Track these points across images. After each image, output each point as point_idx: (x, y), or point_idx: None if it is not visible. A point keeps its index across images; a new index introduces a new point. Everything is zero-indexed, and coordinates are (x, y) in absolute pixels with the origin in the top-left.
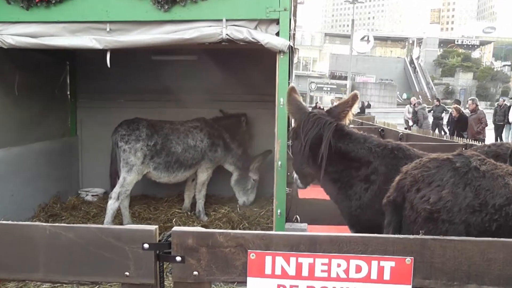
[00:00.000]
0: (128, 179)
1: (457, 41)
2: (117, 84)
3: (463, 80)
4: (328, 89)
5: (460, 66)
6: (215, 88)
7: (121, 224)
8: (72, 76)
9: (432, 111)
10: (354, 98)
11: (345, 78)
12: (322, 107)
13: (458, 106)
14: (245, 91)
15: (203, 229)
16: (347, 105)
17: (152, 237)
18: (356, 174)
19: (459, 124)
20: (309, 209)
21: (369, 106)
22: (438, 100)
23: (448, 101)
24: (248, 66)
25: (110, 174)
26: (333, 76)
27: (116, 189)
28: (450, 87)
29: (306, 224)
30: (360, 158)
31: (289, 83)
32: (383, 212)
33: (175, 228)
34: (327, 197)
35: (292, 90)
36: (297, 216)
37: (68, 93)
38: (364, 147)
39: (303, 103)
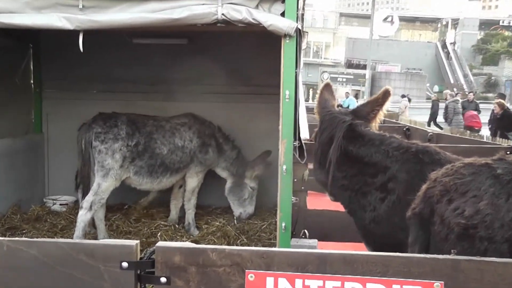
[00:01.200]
0: (103, 185)
1: (503, 22)
2: (91, 72)
3: (509, 69)
4: (344, 79)
5: (505, 53)
6: (207, 78)
7: (95, 239)
8: (36, 61)
9: (462, 108)
10: (385, 95)
11: (364, 67)
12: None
13: (502, 101)
14: (243, 82)
15: (193, 245)
16: (377, 103)
17: (132, 254)
18: (370, 181)
19: (503, 123)
20: (319, 223)
21: (409, 100)
22: (471, 93)
23: (490, 95)
24: (247, 52)
25: (81, 179)
26: (349, 65)
27: (89, 198)
28: (492, 78)
29: (316, 240)
30: (375, 163)
31: (296, 72)
32: (404, 227)
33: (160, 243)
34: (342, 208)
35: (325, 88)
36: (305, 231)
37: (32, 82)
38: (379, 151)
39: (332, 102)
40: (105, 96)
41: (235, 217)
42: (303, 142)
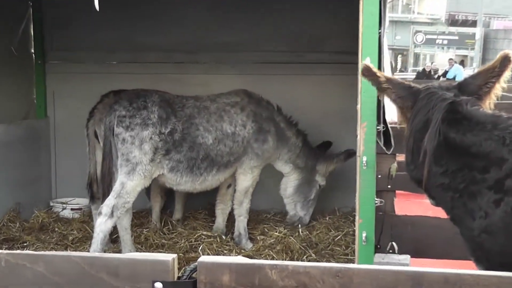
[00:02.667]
0: (128, 185)
1: None
2: (109, 38)
3: None
4: (445, 42)
5: None
6: (263, 43)
7: (119, 253)
8: (38, 25)
9: None
10: (504, 62)
11: (473, 24)
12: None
13: None
14: (310, 47)
15: (247, 260)
16: (492, 74)
17: (168, 271)
18: (480, 178)
19: None
20: (412, 233)
21: None
22: None
23: None
24: (315, 8)
25: (102, 178)
26: (453, 21)
27: (110, 201)
28: None
29: (408, 256)
30: (486, 154)
31: (379, 34)
32: None
33: (203, 258)
34: (443, 214)
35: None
36: (394, 244)
37: (32, 51)
38: (492, 137)
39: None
40: (128, 69)
41: (292, 220)
42: (389, 126)
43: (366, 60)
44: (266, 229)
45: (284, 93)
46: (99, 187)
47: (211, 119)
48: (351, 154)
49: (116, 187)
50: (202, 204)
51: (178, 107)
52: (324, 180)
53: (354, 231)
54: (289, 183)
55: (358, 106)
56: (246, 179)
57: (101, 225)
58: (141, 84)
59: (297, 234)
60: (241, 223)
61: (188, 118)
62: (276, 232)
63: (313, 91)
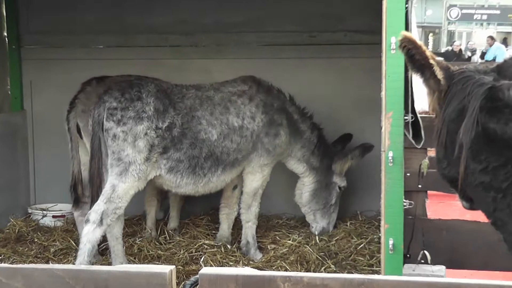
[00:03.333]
0: (120, 188)
1: None
2: (94, 18)
3: None
4: (484, 17)
5: None
6: (273, 22)
7: (110, 265)
8: (11, 4)
9: None
10: None
11: None
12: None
13: None
14: (327, 26)
15: (255, 271)
16: None
17: (165, 286)
18: None
19: None
20: (448, 240)
21: None
22: None
23: None
24: None
25: (90, 179)
26: None
27: (99, 206)
28: None
29: (443, 267)
30: None
31: (406, 9)
32: None
33: (206, 270)
34: (483, 217)
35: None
36: (426, 253)
37: (5, 34)
38: None
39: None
40: (116, 54)
41: (316, 233)
42: (419, 115)
43: (391, 40)
44: (277, 237)
45: (295, 80)
46: (84, 189)
47: (215, 111)
48: (367, 148)
49: (106, 190)
50: (204, 209)
51: (177, 98)
52: (343, 181)
53: (379, 238)
54: (305, 187)
55: (383, 93)
56: (255, 179)
57: (89, 234)
58: (131, 71)
59: (313, 242)
60: (249, 230)
61: (189, 111)
62: (290, 240)
63: (328, 76)
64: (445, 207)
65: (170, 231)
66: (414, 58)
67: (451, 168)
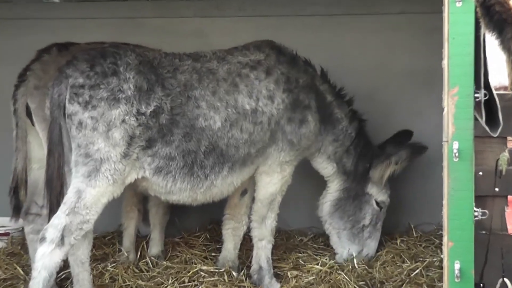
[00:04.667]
0: (89, 194)
1: None
2: None
3: None
4: None
5: None
6: None
7: None
8: None
9: None
10: None
11: None
12: None
13: None
14: None
15: None
16: None
17: None
18: None
19: None
20: None
21: None
22: None
23: None
24: None
25: (47, 183)
26: None
27: (59, 219)
28: None
29: None
30: None
31: None
32: None
33: None
34: None
35: None
36: (507, 281)
37: None
38: None
39: None
40: (81, 12)
41: (337, 260)
42: (495, 92)
43: None
44: (301, 261)
45: (323, 45)
46: (36, 196)
47: (219, 90)
48: (417, 150)
49: (69, 197)
50: (201, 223)
51: (166, 72)
52: (384, 194)
53: (441, 261)
54: (326, 196)
55: (444, 62)
56: (272, 182)
57: (45, 258)
58: (103, 36)
59: (350, 267)
60: (262, 251)
61: (183, 89)
62: (317, 264)
63: (369, 40)
64: None
65: (152, 258)
66: (492, 10)
67: None
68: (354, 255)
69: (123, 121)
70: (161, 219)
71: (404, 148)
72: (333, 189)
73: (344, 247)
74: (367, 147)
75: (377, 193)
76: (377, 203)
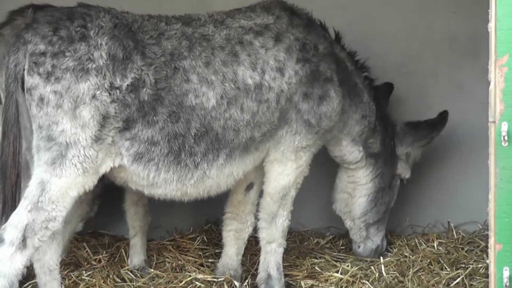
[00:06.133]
0: (54, 186)
1: None
2: None
3: None
4: None
5: None
6: None
7: None
8: None
9: None
10: None
11: None
12: None
13: None
14: None
15: None
16: None
17: None
18: None
19: None
20: None
21: None
22: None
23: None
24: None
25: (1, 172)
26: None
27: (20, 217)
28: None
29: None
30: None
31: None
32: None
33: None
34: None
35: None
36: None
37: None
38: None
39: None
40: None
41: (364, 255)
42: None
43: None
44: (317, 268)
45: (346, 7)
46: None
47: (214, 60)
48: (443, 118)
49: (31, 190)
50: (196, 222)
51: (148, 37)
52: (409, 170)
53: (487, 267)
54: (358, 189)
55: (491, 25)
56: (285, 172)
57: (3, 263)
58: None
59: (377, 275)
60: (272, 257)
61: (169, 59)
62: (338, 272)
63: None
64: None
65: (134, 271)
66: None
67: None
68: (378, 242)
69: (94, 96)
70: (141, 221)
71: (437, 124)
72: (365, 179)
73: (371, 238)
74: (388, 119)
75: (404, 171)
76: (401, 181)
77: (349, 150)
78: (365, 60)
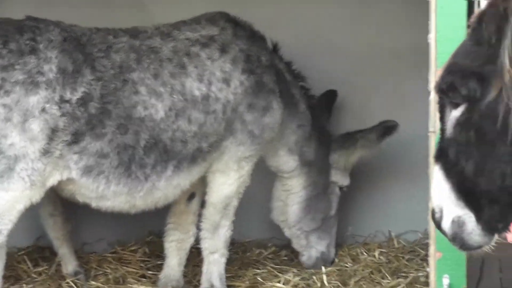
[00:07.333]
0: (1, 198)
1: None
2: None
3: None
4: None
5: None
6: None
7: None
8: None
9: None
10: None
11: None
12: None
13: None
14: None
15: None
16: None
17: None
18: None
19: None
20: None
21: None
22: None
23: None
24: None
25: None
26: None
27: None
28: None
29: None
30: None
31: None
32: None
33: None
34: None
35: None
36: None
37: None
38: None
39: None
40: None
41: (309, 264)
42: None
43: None
44: (260, 278)
45: (290, 21)
46: None
47: (162, 72)
48: (389, 129)
49: None
50: (138, 234)
51: (98, 50)
52: (347, 178)
53: (427, 276)
54: (291, 197)
55: (431, 36)
56: (228, 182)
57: None
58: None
59: (319, 285)
60: (214, 267)
61: (118, 72)
62: (280, 282)
63: (344, 14)
64: None
65: (76, 281)
66: None
67: None
68: (323, 250)
69: (43, 110)
70: (63, 229)
71: (373, 129)
72: (298, 188)
73: (313, 246)
74: (323, 128)
75: (341, 179)
76: (340, 189)
77: (284, 160)
78: (300, 70)
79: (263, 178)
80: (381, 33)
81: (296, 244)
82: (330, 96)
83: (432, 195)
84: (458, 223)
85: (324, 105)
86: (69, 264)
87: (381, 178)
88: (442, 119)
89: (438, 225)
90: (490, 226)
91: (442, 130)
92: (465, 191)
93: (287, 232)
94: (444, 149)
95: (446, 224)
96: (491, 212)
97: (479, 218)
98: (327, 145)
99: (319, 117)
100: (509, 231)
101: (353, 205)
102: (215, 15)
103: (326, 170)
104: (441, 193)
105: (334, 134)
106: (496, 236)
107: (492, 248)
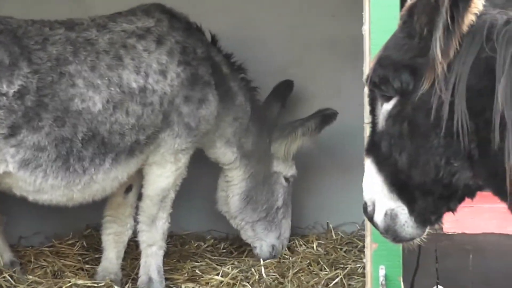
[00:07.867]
0: None
1: None
2: None
3: None
4: None
5: None
6: None
7: None
8: None
9: None
10: None
11: None
12: None
13: None
14: None
15: None
16: None
17: None
18: None
19: None
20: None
21: None
22: None
23: None
24: None
25: None
26: None
27: None
28: None
29: None
30: None
31: None
32: None
33: None
34: None
35: None
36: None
37: None
38: None
39: None
40: None
41: (262, 256)
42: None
43: None
44: (198, 271)
45: (226, 11)
46: None
47: (99, 65)
48: (328, 117)
49: None
50: (76, 228)
51: (34, 43)
52: (291, 168)
53: (364, 267)
54: (232, 188)
55: (365, 28)
56: (164, 175)
57: None
58: None
59: (257, 277)
60: (152, 260)
61: (55, 64)
62: (218, 275)
63: (280, 4)
64: (474, 214)
65: (13, 275)
66: None
67: (482, 167)
68: (273, 243)
69: None
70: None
71: (313, 116)
72: (238, 179)
73: (262, 238)
74: (262, 119)
75: (284, 169)
76: (286, 179)
77: (223, 152)
78: (241, 62)
79: (201, 170)
80: (318, 24)
81: (244, 235)
82: (285, 86)
83: (364, 189)
84: (391, 216)
85: (277, 95)
86: (5, 254)
87: (319, 170)
88: (373, 112)
89: (370, 219)
90: (423, 218)
91: (373, 123)
92: (398, 184)
93: (233, 223)
94: (376, 142)
95: (378, 217)
96: (425, 204)
97: (412, 211)
98: (269, 136)
99: (264, 109)
100: (442, 223)
101: (291, 198)
102: (150, 6)
103: (267, 161)
104: (373, 186)
105: (279, 124)
106: (428, 228)
107: (424, 239)
